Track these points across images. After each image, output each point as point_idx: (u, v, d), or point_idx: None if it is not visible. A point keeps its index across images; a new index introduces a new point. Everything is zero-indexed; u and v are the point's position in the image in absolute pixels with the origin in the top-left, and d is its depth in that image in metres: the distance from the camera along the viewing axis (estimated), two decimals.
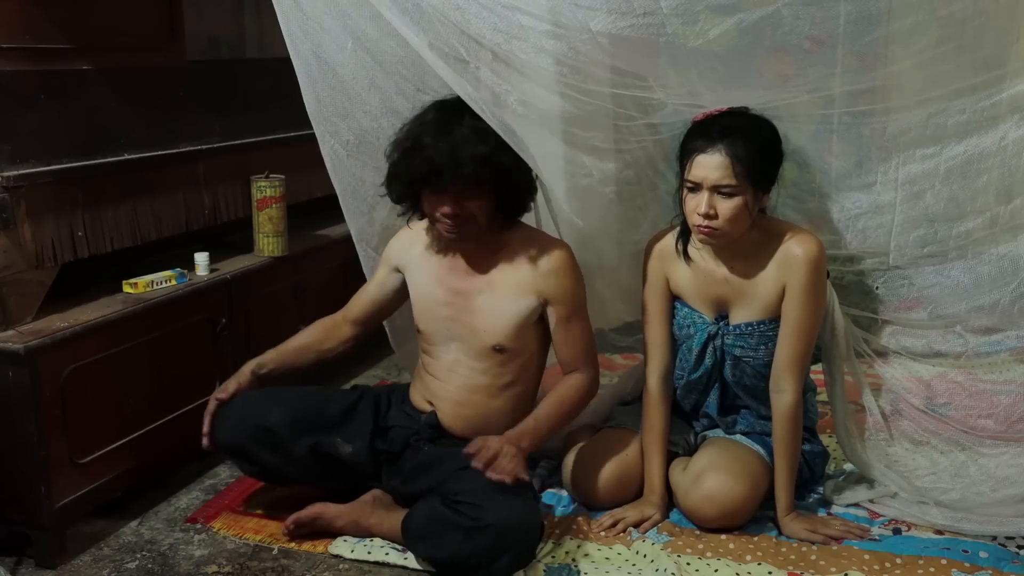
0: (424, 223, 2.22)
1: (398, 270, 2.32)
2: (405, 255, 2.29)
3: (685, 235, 2.18)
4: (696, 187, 2.04)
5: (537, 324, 2.22)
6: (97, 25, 2.34)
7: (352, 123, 2.30)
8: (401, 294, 2.34)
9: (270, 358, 2.34)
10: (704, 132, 2.06)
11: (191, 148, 2.61)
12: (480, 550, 1.92)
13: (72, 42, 2.26)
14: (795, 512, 2.18)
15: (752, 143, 2.03)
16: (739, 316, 2.20)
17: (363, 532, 2.18)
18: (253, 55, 2.91)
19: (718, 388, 2.29)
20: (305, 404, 2.27)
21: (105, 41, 2.37)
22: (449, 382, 2.25)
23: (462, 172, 2.00)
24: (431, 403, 2.28)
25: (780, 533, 2.17)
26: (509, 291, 2.18)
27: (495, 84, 2.23)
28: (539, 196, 2.30)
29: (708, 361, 2.24)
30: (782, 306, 2.14)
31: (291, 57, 2.21)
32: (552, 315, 2.19)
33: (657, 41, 2.11)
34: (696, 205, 2.04)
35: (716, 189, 2.02)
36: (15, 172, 2.08)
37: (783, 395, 2.15)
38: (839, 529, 2.15)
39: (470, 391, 2.24)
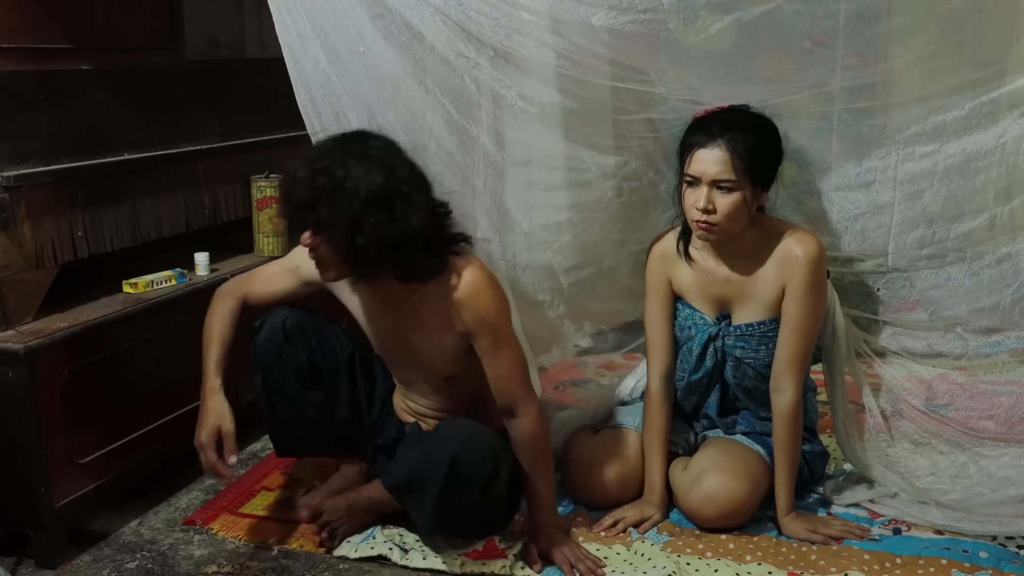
0: None
1: (312, 283, 2.16)
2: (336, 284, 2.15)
3: (686, 234, 2.18)
4: (695, 182, 2.04)
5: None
6: (97, 25, 2.35)
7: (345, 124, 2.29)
8: (307, 299, 2.26)
9: (220, 377, 2.17)
10: (704, 127, 2.06)
11: (191, 148, 2.61)
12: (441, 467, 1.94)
13: (72, 42, 2.27)
14: (795, 512, 2.18)
15: (752, 139, 2.03)
16: (740, 316, 2.20)
17: (362, 502, 2.20)
18: (253, 55, 2.91)
19: (719, 389, 2.29)
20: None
21: (105, 41, 2.37)
22: (419, 402, 2.25)
23: (300, 203, 1.87)
24: (412, 415, 2.28)
25: (780, 533, 2.17)
26: (437, 327, 2.05)
27: (495, 81, 2.23)
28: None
29: (709, 362, 2.24)
30: (782, 306, 2.14)
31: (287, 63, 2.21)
32: (476, 347, 2.03)
33: (657, 37, 2.11)
34: (695, 200, 2.04)
35: (715, 184, 2.02)
36: (15, 172, 2.08)
37: (783, 395, 2.15)
38: (839, 529, 2.15)
39: (441, 409, 2.23)
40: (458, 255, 2.01)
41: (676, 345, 2.29)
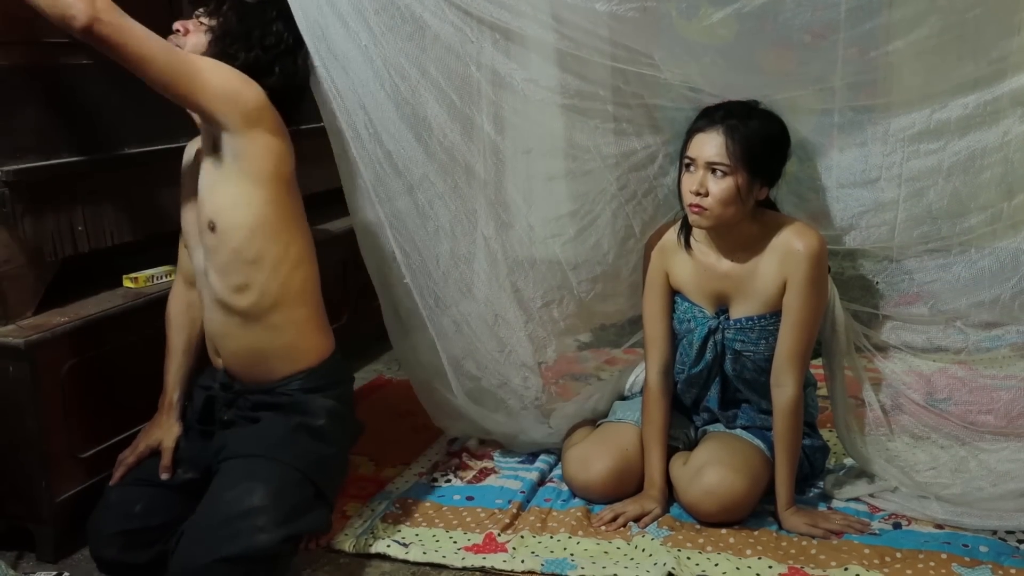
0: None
1: None
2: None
3: (687, 224, 2.19)
4: (692, 164, 2.07)
5: (269, 202, 1.95)
6: None
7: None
8: None
9: (180, 389, 2.15)
10: (708, 113, 2.10)
11: (191, 142, 2.60)
12: None
13: (73, 36, 2.26)
14: (795, 506, 2.18)
15: (753, 129, 2.06)
16: (740, 310, 2.20)
17: None
18: None
19: (719, 383, 2.29)
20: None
21: None
22: (209, 311, 2.04)
23: None
24: (217, 352, 2.09)
25: (780, 527, 2.17)
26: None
27: (500, 63, 2.23)
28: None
29: (708, 355, 2.24)
30: (783, 300, 2.14)
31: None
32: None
33: (659, 26, 2.12)
34: (690, 183, 2.06)
35: (710, 167, 2.04)
36: (15, 167, 2.08)
37: (783, 389, 2.15)
38: (839, 523, 2.15)
39: (216, 310, 2.01)
40: None
41: (675, 339, 2.29)
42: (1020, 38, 2.09)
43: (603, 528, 2.19)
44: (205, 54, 1.95)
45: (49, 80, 2.21)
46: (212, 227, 1.94)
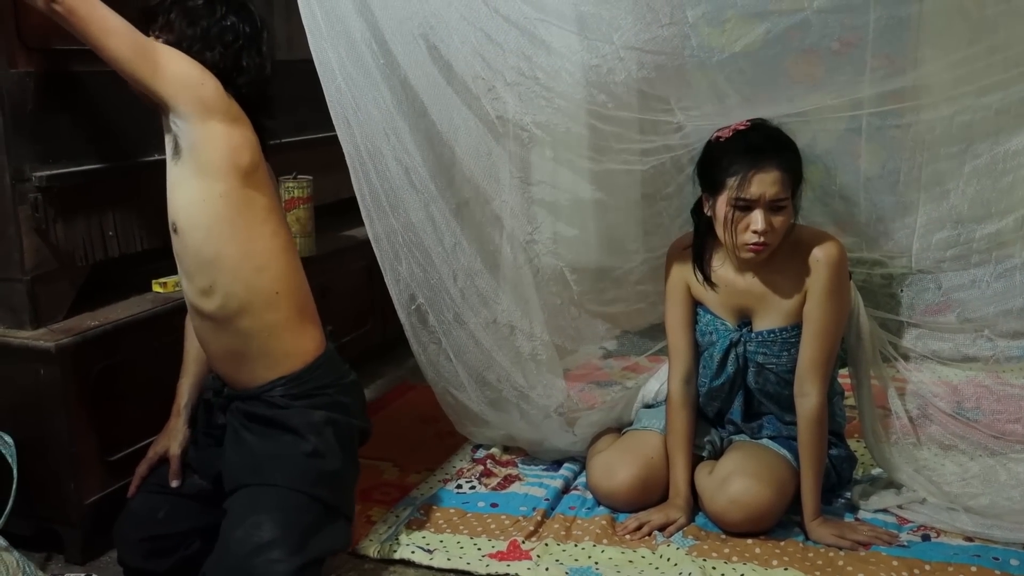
0: None
1: None
2: None
3: (700, 259, 2.18)
4: (750, 205, 2.03)
5: (224, 197, 1.89)
6: None
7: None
8: None
9: (188, 396, 2.13)
10: (753, 148, 2.04)
11: None
12: None
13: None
14: (822, 517, 2.16)
15: (795, 155, 2.07)
16: (762, 323, 2.19)
17: None
18: (282, 57, 2.92)
19: (742, 395, 2.28)
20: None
21: None
22: (190, 314, 2.05)
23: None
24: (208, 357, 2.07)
25: (807, 538, 2.16)
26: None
27: (514, 109, 2.25)
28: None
29: (731, 368, 2.23)
30: (804, 310, 2.13)
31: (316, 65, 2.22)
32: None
33: (682, 53, 2.12)
34: (750, 223, 2.03)
35: (771, 205, 2.02)
36: (47, 172, 2.10)
37: (807, 399, 2.14)
38: (867, 535, 2.13)
39: (193, 314, 2.01)
40: None
41: (697, 349, 2.28)
42: None
43: (628, 537, 2.18)
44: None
45: (79, 87, 2.23)
46: (175, 229, 1.92)
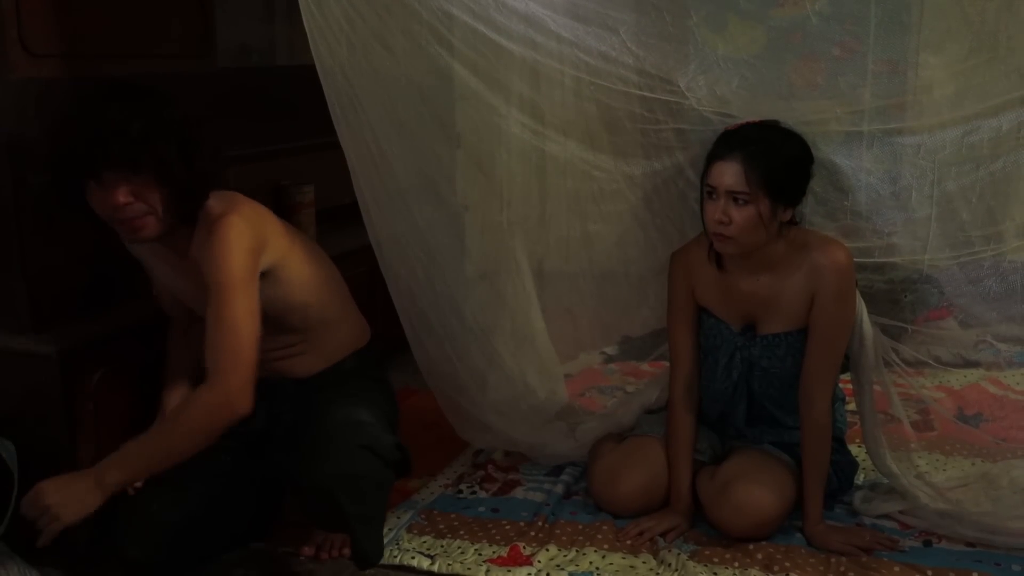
0: None
1: None
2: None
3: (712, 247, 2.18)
4: (713, 192, 2.04)
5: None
6: (130, 33, 2.36)
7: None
8: None
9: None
10: (726, 139, 2.06)
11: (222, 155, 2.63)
12: None
13: (105, 49, 2.29)
14: (825, 523, 2.16)
15: (770, 153, 2.02)
16: (766, 327, 2.18)
17: None
18: (284, 62, 2.94)
19: (745, 400, 2.27)
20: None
21: (138, 49, 2.39)
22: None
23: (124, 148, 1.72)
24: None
25: (809, 543, 2.15)
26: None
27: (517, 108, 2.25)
28: None
29: (735, 373, 2.23)
30: (810, 316, 2.13)
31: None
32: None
33: (687, 49, 2.11)
34: (713, 211, 2.04)
35: (731, 195, 2.01)
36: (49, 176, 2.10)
37: (812, 404, 2.14)
38: (869, 540, 2.13)
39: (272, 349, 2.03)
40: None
41: (700, 354, 2.28)
42: None
43: (629, 542, 2.18)
44: (168, 210, 1.83)
45: (84, 93, 2.23)
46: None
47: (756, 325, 2.20)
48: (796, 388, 2.18)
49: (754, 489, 2.14)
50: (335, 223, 3.09)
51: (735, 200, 2.00)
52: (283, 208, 2.78)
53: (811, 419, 2.14)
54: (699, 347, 2.28)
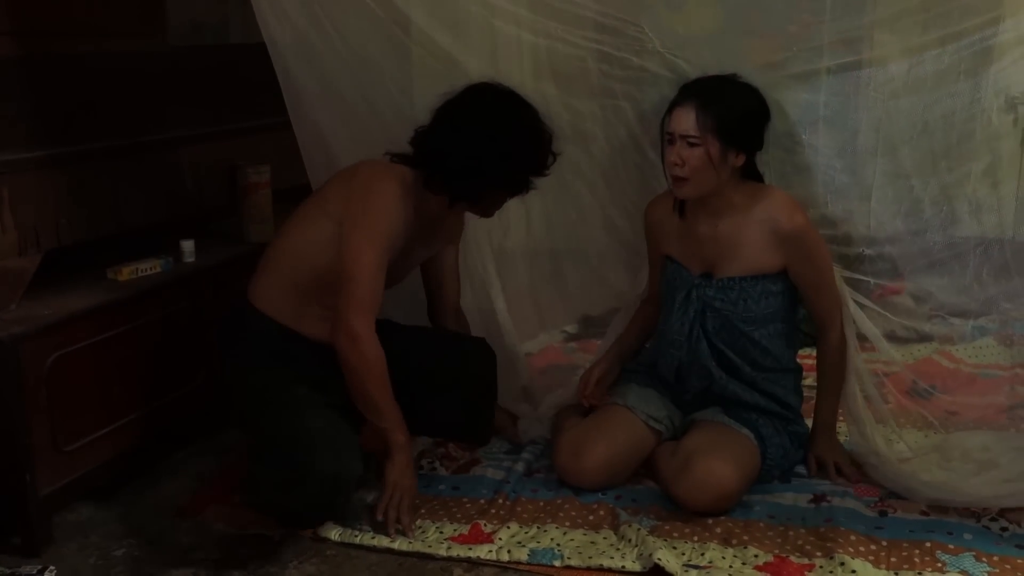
0: None
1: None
2: None
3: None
4: (671, 138, 2.15)
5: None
6: (79, 10, 2.32)
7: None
8: None
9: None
10: (685, 89, 2.19)
11: (175, 135, 2.60)
12: None
13: (54, 27, 2.24)
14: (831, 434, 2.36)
15: (723, 100, 2.15)
16: (722, 271, 2.27)
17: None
18: (238, 40, 2.89)
19: (704, 343, 2.28)
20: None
21: (87, 26, 2.35)
22: None
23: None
24: None
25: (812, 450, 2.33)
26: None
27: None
28: None
29: (691, 310, 2.27)
30: (795, 276, 2.24)
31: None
32: None
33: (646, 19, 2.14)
34: (669, 154, 2.16)
35: (685, 139, 2.12)
36: None
37: (828, 334, 2.31)
38: (853, 477, 2.31)
39: None
40: None
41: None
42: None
43: (587, 404, 2.40)
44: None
45: (35, 71, 2.19)
46: None
47: (713, 271, 2.26)
48: (748, 335, 2.25)
49: (715, 463, 2.16)
50: (292, 203, 3.05)
51: (688, 143, 2.12)
52: (239, 188, 2.73)
53: (827, 344, 2.32)
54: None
